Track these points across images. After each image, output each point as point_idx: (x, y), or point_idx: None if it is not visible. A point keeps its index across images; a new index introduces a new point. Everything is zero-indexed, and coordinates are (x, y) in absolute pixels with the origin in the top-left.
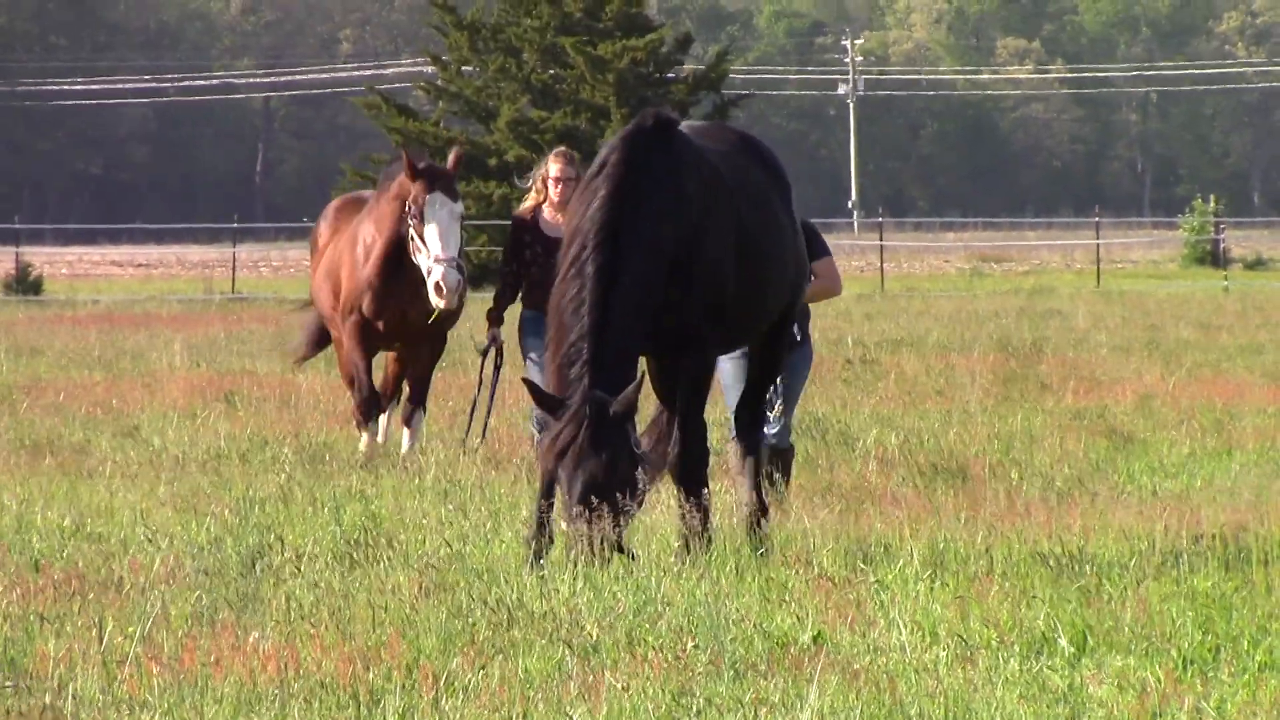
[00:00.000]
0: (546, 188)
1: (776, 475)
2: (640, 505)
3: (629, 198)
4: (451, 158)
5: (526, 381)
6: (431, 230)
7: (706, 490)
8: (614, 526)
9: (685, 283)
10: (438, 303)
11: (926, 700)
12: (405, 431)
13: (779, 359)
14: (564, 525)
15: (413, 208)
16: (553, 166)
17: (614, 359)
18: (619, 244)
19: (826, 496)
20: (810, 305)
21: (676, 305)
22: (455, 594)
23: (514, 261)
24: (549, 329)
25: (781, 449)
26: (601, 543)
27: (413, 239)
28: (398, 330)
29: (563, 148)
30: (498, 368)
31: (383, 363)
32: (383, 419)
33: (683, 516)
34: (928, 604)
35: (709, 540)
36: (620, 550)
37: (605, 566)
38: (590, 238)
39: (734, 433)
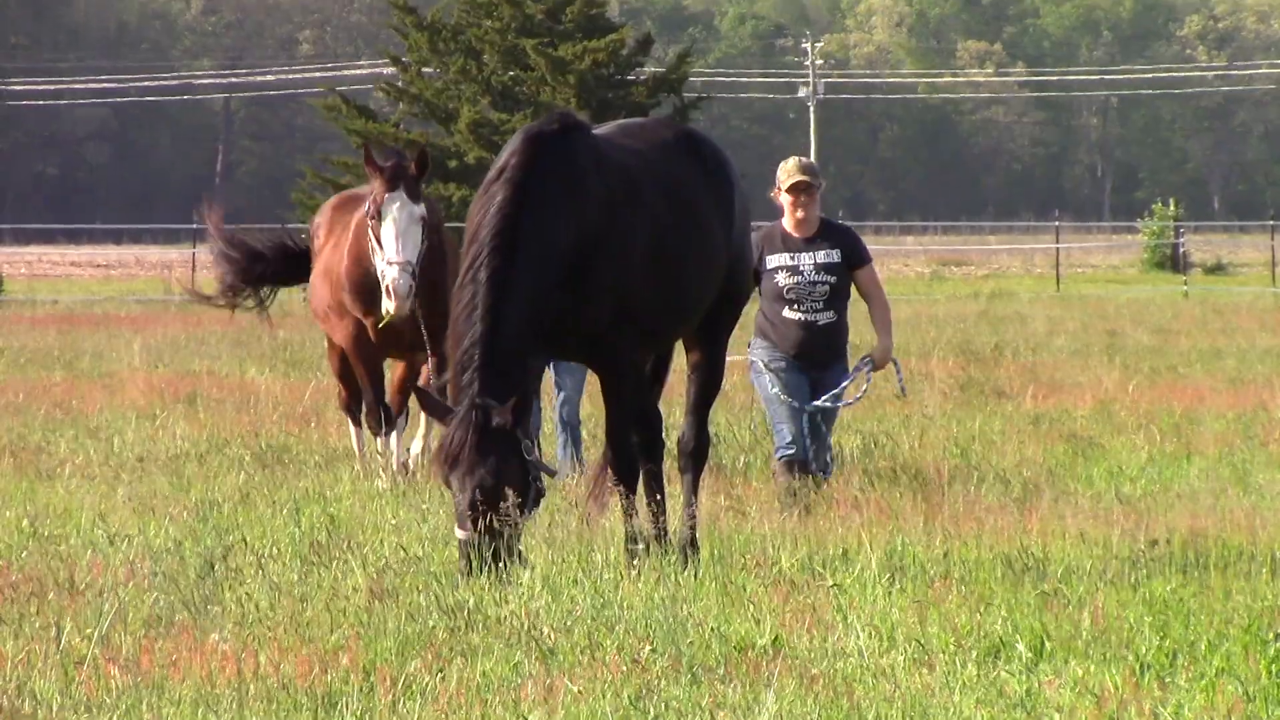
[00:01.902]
0: None
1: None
2: (531, 511)
3: (525, 203)
4: (414, 160)
5: (416, 390)
6: (388, 230)
7: (659, 495)
8: (504, 534)
9: (587, 287)
10: (388, 307)
11: (884, 705)
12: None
13: (718, 367)
14: (457, 532)
15: (371, 206)
16: None
17: (505, 365)
18: (515, 250)
19: (786, 499)
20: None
21: (579, 310)
22: (413, 597)
23: None
24: (447, 338)
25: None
26: (492, 550)
27: (370, 240)
28: (392, 336)
29: None
30: None
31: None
32: (392, 439)
33: (626, 520)
34: (886, 608)
35: (657, 543)
36: (510, 558)
37: (497, 574)
38: (485, 244)
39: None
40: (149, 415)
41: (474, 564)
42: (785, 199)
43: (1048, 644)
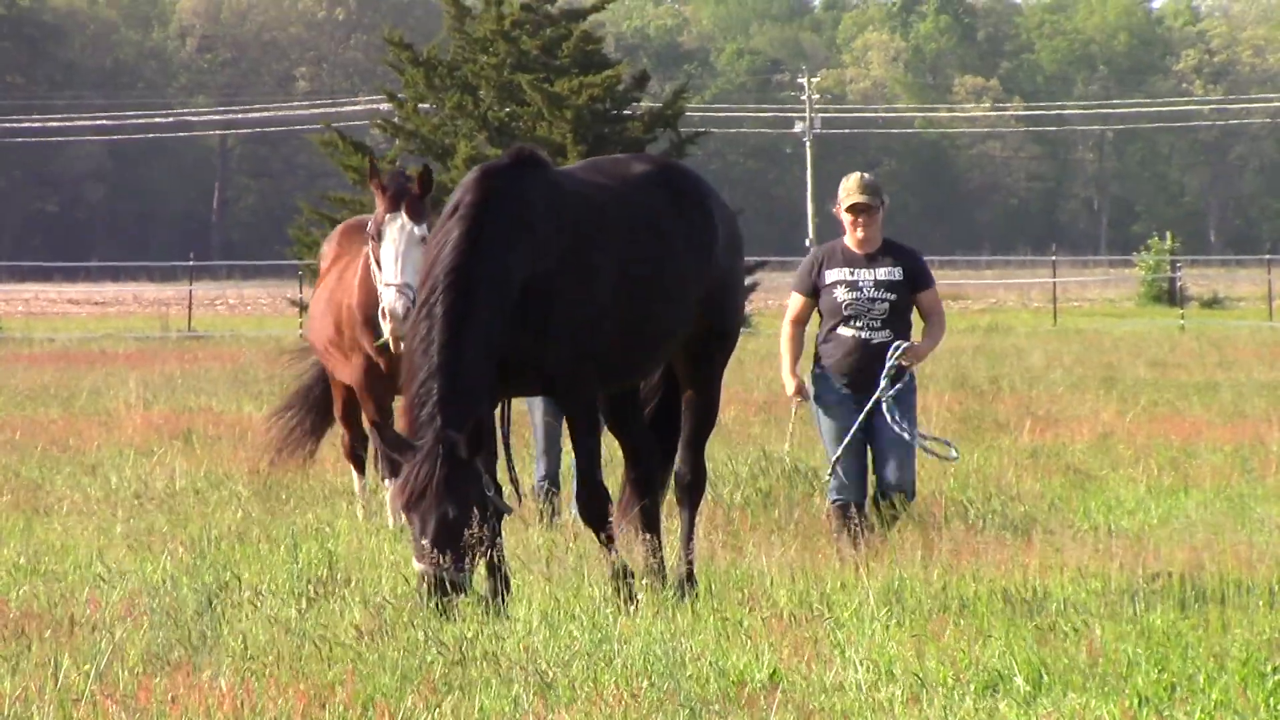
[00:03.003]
0: None
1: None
2: (490, 546)
3: (480, 238)
4: (417, 179)
5: (374, 424)
6: (388, 251)
7: (654, 533)
8: (462, 568)
9: (547, 323)
10: (384, 331)
11: None
12: None
13: (712, 402)
14: (415, 565)
15: (373, 227)
16: None
17: (463, 399)
18: (470, 285)
19: (783, 534)
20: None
21: (541, 345)
22: (411, 632)
23: None
24: (402, 373)
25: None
26: (450, 584)
27: (372, 261)
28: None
29: None
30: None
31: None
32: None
33: (606, 555)
34: (883, 642)
35: (653, 577)
36: (467, 591)
37: (451, 608)
38: (440, 280)
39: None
40: (146, 452)
41: (430, 595)
42: (845, 217)
43: (1046, 677)
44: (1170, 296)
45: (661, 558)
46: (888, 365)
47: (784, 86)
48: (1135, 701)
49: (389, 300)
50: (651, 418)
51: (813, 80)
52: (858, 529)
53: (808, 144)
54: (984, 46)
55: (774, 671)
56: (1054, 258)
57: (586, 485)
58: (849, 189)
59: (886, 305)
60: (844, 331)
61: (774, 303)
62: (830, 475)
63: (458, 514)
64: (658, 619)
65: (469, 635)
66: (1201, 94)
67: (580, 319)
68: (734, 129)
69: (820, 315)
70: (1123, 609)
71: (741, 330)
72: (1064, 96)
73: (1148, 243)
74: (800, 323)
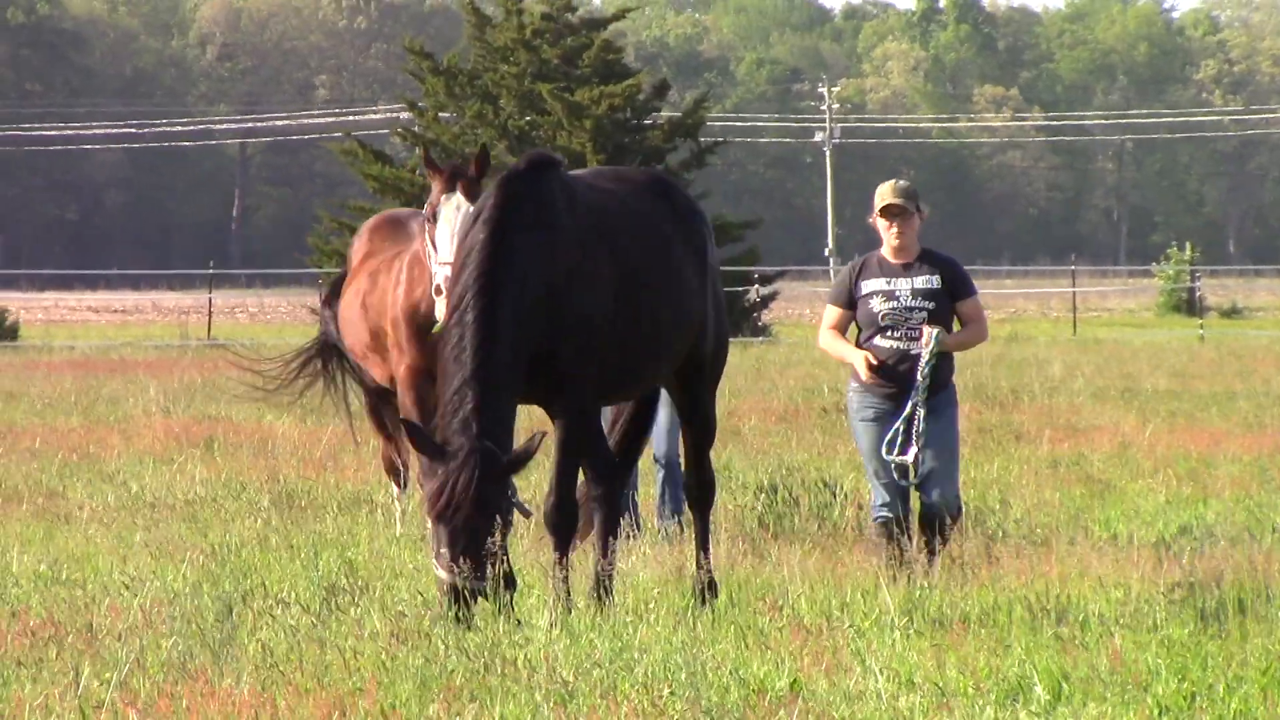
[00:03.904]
0: None
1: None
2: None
3: (504, 243)
4: (474, 161)
5: (406, 423)
6: (444, 232)
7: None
8: (483, 576)
9: (560, 322)
10: (440, 307)
11: None
12: None
13: (709, 418)
14: (439, 573)
15: (428, 209)
16: None
17: (497, 407)
18: (499, 290)
19: (803, 543)
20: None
21: (553, 347)
22: (431, 640)
23: None
24: (438, 379)
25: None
26: (472, 593)
27: (428, 244)
28: None
29: None
30: None
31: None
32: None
33: (552, 569)
34: (904, 651)
35: (599, 593)
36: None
37: (471, 616)
38: (470, 286)
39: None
40: (166, 460)
41: (452, 604)
42: (880, 223)
43: (1066, 686)
44: (1189, 306)
45: (609, 578)
46: (925, 353)
47: (804, 96)
48: (1155, 711)
49: (442, 279)
50: (623, 431)
51: (833, 90)
52: (900, 547)
53: (827, 153)
54: (1004, 56)
55: (794, 680)
56: (1074, 267)
57: (563, 502)
58: (883, 193)
59: (925, 314)
60: (881, 342)
61: (794, 312)
62: (873, 491)
63: (487, 526)
64: (678, 628)
65: (489, 643)
66: (1221, 104)
67: (587, 324)
68: (754, 138)
69: (858, 327)
70: (1143, 619)
71: (760, 339)
72: (1084, 106)
73: (1167, 253)
74: (835, 331)
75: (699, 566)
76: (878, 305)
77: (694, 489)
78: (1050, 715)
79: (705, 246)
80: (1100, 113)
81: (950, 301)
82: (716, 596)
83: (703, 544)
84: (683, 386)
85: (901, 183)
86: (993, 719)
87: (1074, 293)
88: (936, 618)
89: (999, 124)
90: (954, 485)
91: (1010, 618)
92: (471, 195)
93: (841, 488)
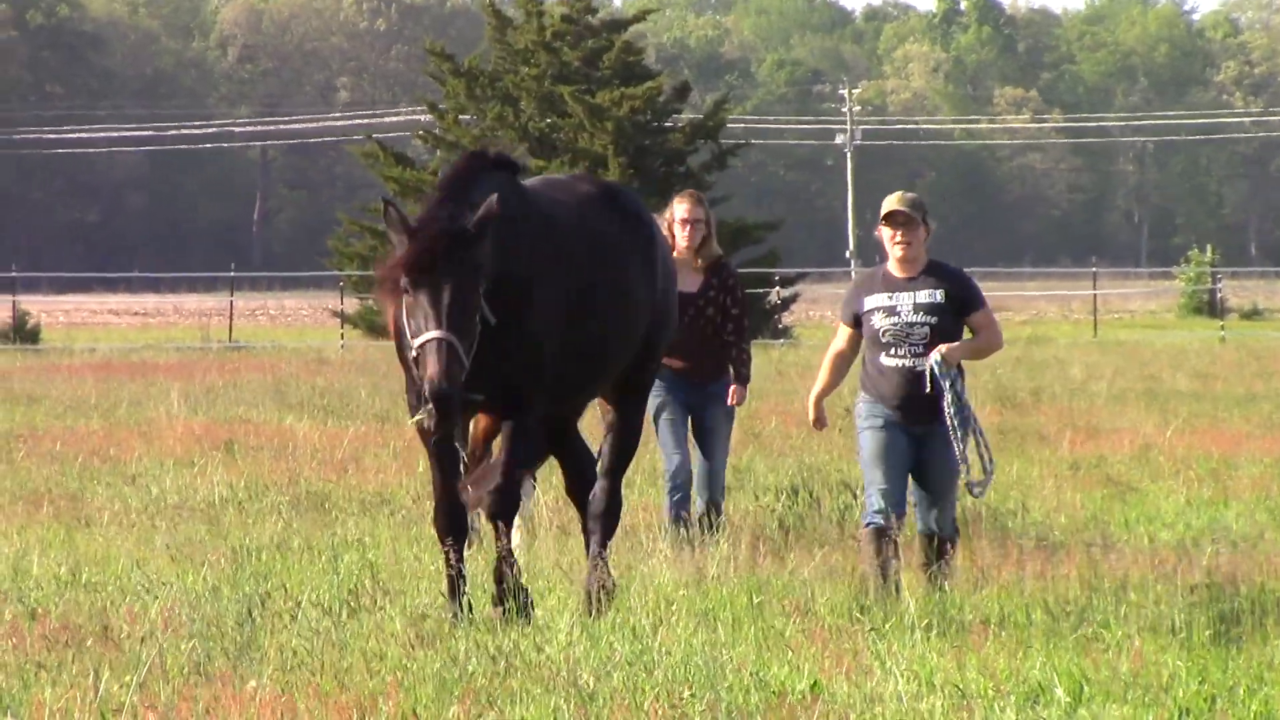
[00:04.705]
0: (674, 233)
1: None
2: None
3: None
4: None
5: (385, 201)
6: None
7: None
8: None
9: (515, 328)
10: None
11: None
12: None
13: (636, 428)
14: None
15: None
16: (679, 208)
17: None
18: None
19: (824, 545)
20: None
21: (507, 353)
22: (452, 643)
23: None
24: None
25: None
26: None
27: None
28: None
29: (689, 189)
30: None
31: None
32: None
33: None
34: (924, 653)
35: (519, 590)
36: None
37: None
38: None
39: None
40: (187, 463)
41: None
42: (885, 233)
43: (1086, 688)
44: (1210, 308)
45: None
46: (944, 387)
47: (825, 98)
48: (1176, 713)
49: None
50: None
51: (853, 91)
52: (888, 557)
53: (848, 155)
54: (1024, 58)
55: (815, 682)
56: (1094, 269)
57: (508, 484)
58: (888, 201)
59: (927, 330)
60: (886, 361)
61: (815, 314)
62: (867, 497)
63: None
64: (698, 629)
65: (510, 646)
66: (1242, 106)
67: (544, 326)
68: (775, 140)
69: (864, 343)
70: (1163, 621)
71: (781, 341)
72: (1104, 108)
73: (1188, 255)
74: (841, 355)
75: (592, 571)
76: (879, 322)
77: (601, 506)
78: (1071, 717)
79: (655, 254)
80: (1121, 114)
81: (956, 317)
82: (610, 596)
83: (596, 562)
84: (619, 394)
85: (909, 194)
86: None
87: (1095, 294)
88: (956, 619)
89: (1019, 125)
90: (951, 509)
91: (1030, 620)
92: None
93: (860, 491)
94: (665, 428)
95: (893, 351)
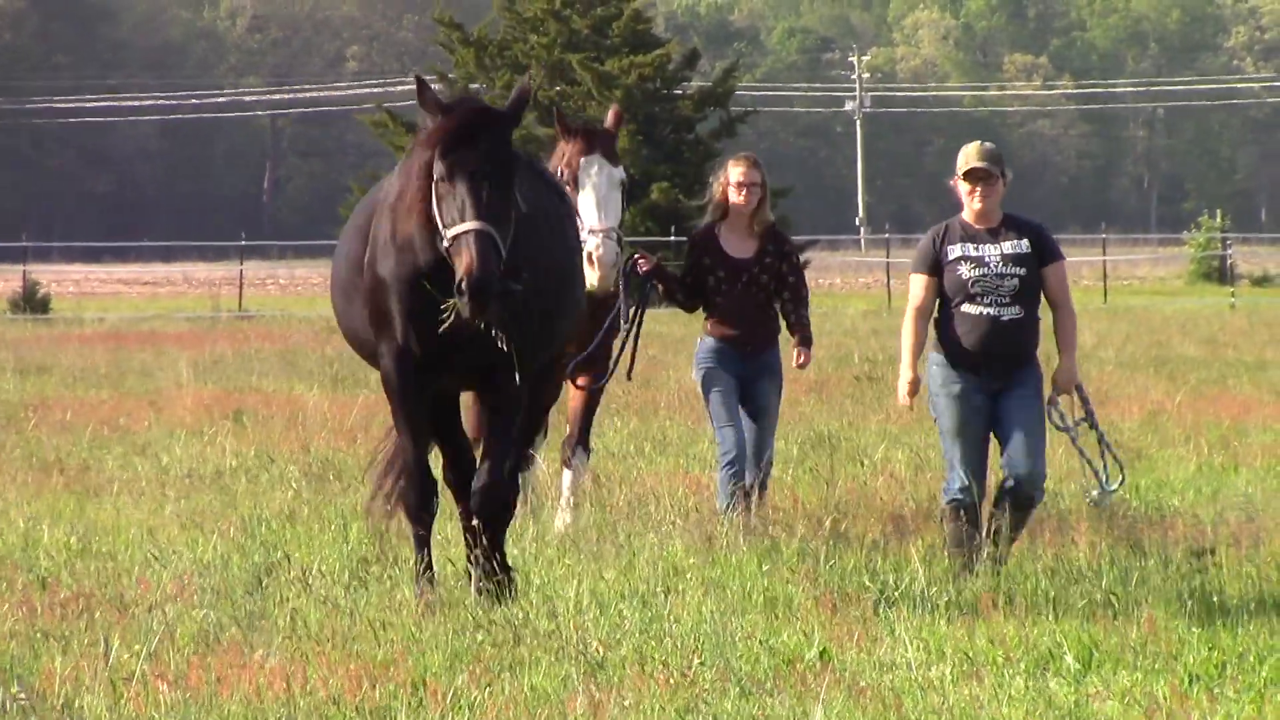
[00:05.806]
0: (728, 196)
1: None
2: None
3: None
4: (611, 116)
5: (417, 79)
6: (587, 197)
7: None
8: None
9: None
10: (591, 279)
11: (932, 717)
12: (565, 474)
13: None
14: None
15: (565, 172)
16: (734, 171)
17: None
18: None
19: (833, 512)
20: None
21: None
22: (461, 611)
23: (693, 287)
24: None
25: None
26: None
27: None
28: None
29: (745, 152)
30: (643, 303)
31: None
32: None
33: (475, 555)
34: (934, 621)
35: (506, 580)
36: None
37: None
38: None
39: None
40: (197, 432)
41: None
42: (963, 187)
43: (1096, 655)
44: (1220, 274)
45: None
46: (1070, 430)
47: (834, 65)
48: (1186, 680)
49: (594, 245)
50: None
51: (863, 59)
52: (973, 533)
53: (858, 123)
54: (1034, 24)
55: (824, 650)
56: (1104, 236)
57: (494, 483)
58: (968, 154)
59: (1016, 281)
60: (970, 309)
61: (825, 281)
62: (949, 471)
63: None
64: (708, 598)
65: (519, 615)
66: (1252, 71)
67: (539, 282)
68: (784, 108)
69: (941, 295)
70: (1173, 587)
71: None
72: (1115, 74)
73: (1198, 221)
74: (924, 312)
75: (484, 568)
76: (966, 272)
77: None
78: (1080, 684)
79: (573, 222)
80: (1131, 80)
81: (1039, 266)
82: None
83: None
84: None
85: (988, 145)
86: (1023, 688)
87: (1105, 261)
88: (966, 587)
89: (1030, 92)
90: (1040, 462)
91: (1040, 587)
92: (612, 157)
93: (872, 459)
94: (717, 399)
95: (979, 300)
